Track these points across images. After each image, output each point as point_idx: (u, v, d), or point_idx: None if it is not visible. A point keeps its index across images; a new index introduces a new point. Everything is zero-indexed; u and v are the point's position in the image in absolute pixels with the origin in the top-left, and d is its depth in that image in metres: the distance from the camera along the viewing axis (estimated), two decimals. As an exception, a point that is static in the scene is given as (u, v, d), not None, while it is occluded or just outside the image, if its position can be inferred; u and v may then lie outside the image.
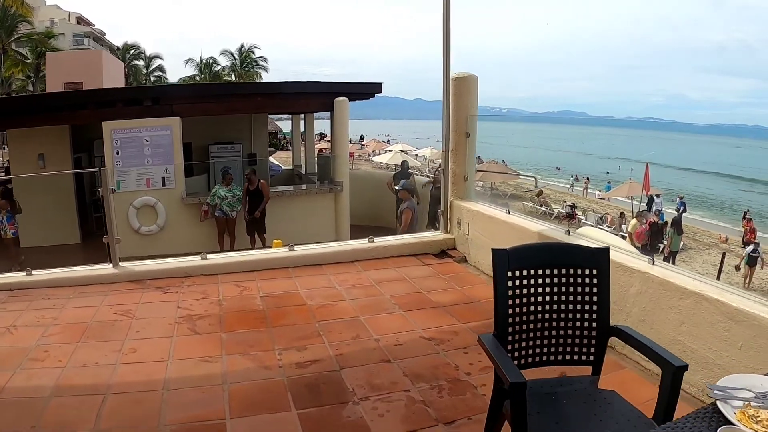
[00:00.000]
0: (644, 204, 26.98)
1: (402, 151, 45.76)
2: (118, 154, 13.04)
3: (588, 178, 47.64)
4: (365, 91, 15.23)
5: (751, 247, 17.32)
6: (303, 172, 19.57)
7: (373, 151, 53.30)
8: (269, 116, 22.84)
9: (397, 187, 10.70)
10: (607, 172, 66.19)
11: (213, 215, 12.84)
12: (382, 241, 6.57)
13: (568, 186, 47.21)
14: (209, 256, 6.01)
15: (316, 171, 17.93)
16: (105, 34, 61.56)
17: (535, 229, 5.32)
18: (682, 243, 18.87)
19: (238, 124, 17.83)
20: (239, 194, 12.88)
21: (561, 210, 28.93)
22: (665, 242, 17.99)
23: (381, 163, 40.29)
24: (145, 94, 15.13)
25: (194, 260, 5.93)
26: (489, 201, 6.78)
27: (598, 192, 44.70)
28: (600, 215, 26.36)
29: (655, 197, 27.69)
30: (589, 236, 5.33)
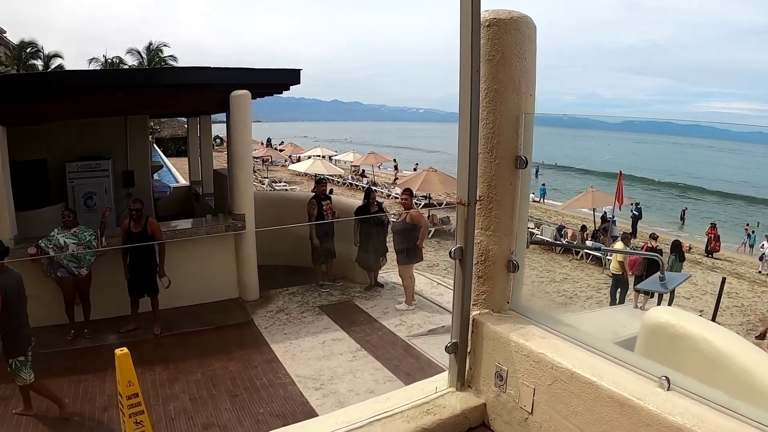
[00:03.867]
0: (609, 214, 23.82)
1: (321, 156, 41.70)
2: None
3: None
4: (276, 80, 10.63)
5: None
6: (201, 191, 15.13)
7: (290, 157, 48.80)
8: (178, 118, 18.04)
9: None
10: (537, 170, 64.20)
11: (53, 274, 8.40)
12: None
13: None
14: None
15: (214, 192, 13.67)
16: (5, 32, 54.63)
17: None
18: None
19: (109, 132, 13.36)
20: (91, 240, 8.45)
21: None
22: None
23: (299, 172, 35.79)
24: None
25: None
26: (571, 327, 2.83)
27: (531, 195, 41.85)
28: (557, 226, 22.91)
29: (606, 208, 24.61)
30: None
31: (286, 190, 33.65)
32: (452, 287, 2.96)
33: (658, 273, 3.45)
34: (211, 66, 12.81)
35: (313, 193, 11.15)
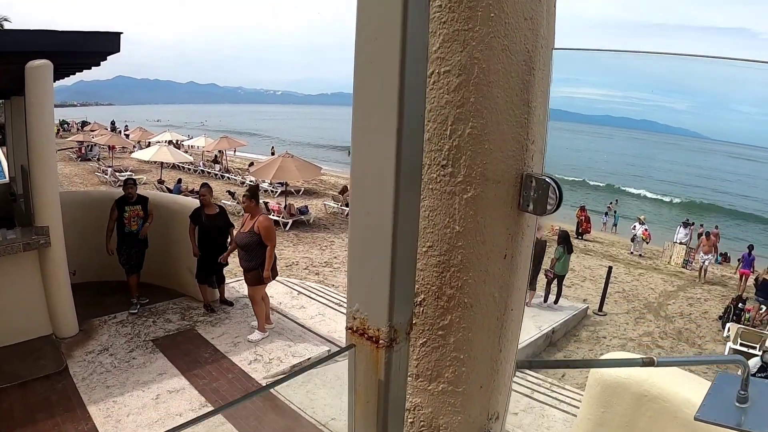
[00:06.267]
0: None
1: (169, 141, 38.76)
2: None
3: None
4: (87, 47, 7.76)
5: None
6: (17, 190, 12.41)
7: (138, 143, 45.08)
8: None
9: None
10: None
11: None
12: None
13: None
14: None
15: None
16: None
17: None
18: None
19: None
20: None
21: (375, 211, 23.85)
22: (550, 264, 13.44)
23: (143, 160, 32.71)
24: None
25: None
26: None
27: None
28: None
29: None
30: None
31: (129, 178, 30.43)
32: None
33: (738, 388, 1.89)
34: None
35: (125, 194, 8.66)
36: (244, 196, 8.08)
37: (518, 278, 1.19)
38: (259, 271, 7.68)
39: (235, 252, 8.16)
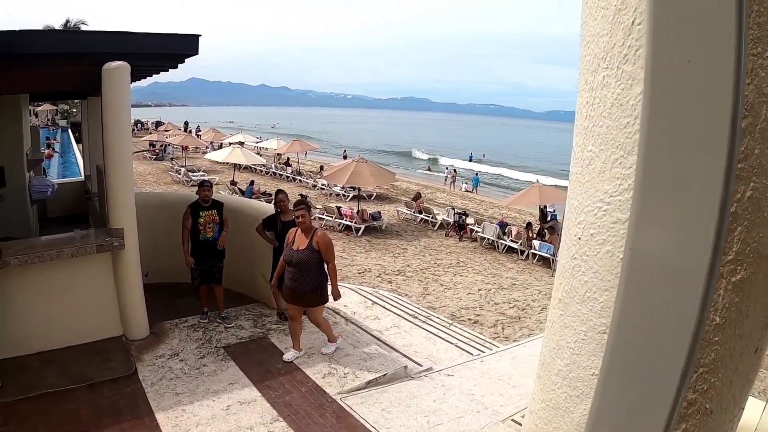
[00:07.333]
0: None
1: (241, 143, 39.17)
2: None
3: (455, 170, 43.46)
4: (165, 49, 7.56)
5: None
6: (91, 188, 12.60)
7: (211, 143, 45.87)
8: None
9: None
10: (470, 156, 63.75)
11: None
12: None
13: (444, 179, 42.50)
14: None
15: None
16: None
17: None
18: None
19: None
20: None
21: (446, 218, 23.41)
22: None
23: (216, 161, 32.95)
24: None
25: None
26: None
27: (464, 185, 40.82)
28: (499, 222, 21.05)
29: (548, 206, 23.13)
30: None
31: (205, 180, 30.80)
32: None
33: None
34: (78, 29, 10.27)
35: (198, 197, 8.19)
36: (300, 209, 6.91)
37: (757, 370, 0.84)
38: (317, 291, 6.97)
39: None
